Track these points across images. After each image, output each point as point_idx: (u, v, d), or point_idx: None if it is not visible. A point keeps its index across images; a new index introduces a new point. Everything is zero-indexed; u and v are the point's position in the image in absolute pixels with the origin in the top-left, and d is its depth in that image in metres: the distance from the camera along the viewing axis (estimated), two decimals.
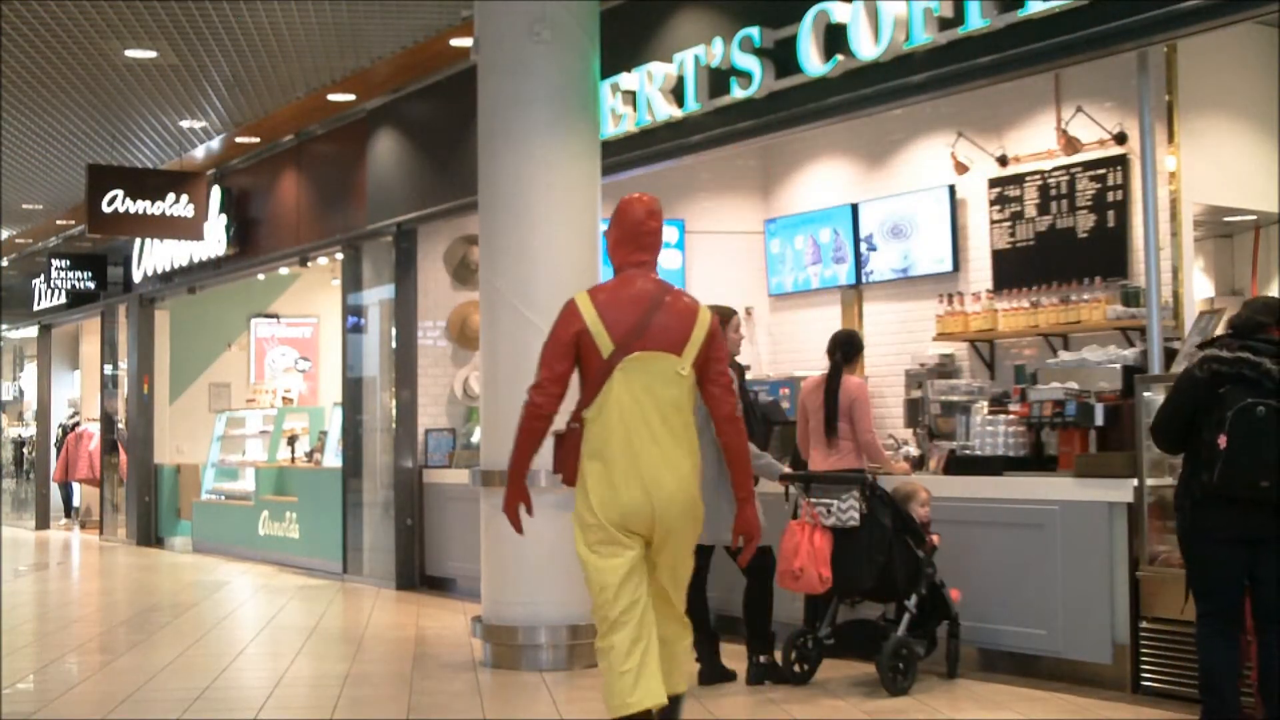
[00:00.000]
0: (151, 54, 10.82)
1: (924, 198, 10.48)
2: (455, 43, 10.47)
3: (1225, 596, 5.43)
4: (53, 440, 21.37)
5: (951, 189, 10.26)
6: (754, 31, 8.45)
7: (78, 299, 19.35)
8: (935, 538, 6.95)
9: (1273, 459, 5.21)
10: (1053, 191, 9.51)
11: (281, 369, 17.52)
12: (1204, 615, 5.48)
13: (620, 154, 9.35)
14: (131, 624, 10.13)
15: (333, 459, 13.40)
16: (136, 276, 17.54)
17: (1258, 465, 5.23)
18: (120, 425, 18.58)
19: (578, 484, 4.78)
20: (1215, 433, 5.29)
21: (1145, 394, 6.58)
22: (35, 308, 21.21)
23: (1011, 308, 9.59)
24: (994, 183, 9.93)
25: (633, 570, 4.70)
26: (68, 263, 18.73)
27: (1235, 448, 5.25)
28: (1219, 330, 6.53)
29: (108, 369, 19.36)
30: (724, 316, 7.26)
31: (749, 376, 7.51)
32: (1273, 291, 9.37)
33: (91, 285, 18.71)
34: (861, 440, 7.54)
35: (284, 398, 16.37)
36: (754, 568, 7.04)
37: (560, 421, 4.91)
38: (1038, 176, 9.62)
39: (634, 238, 4.91)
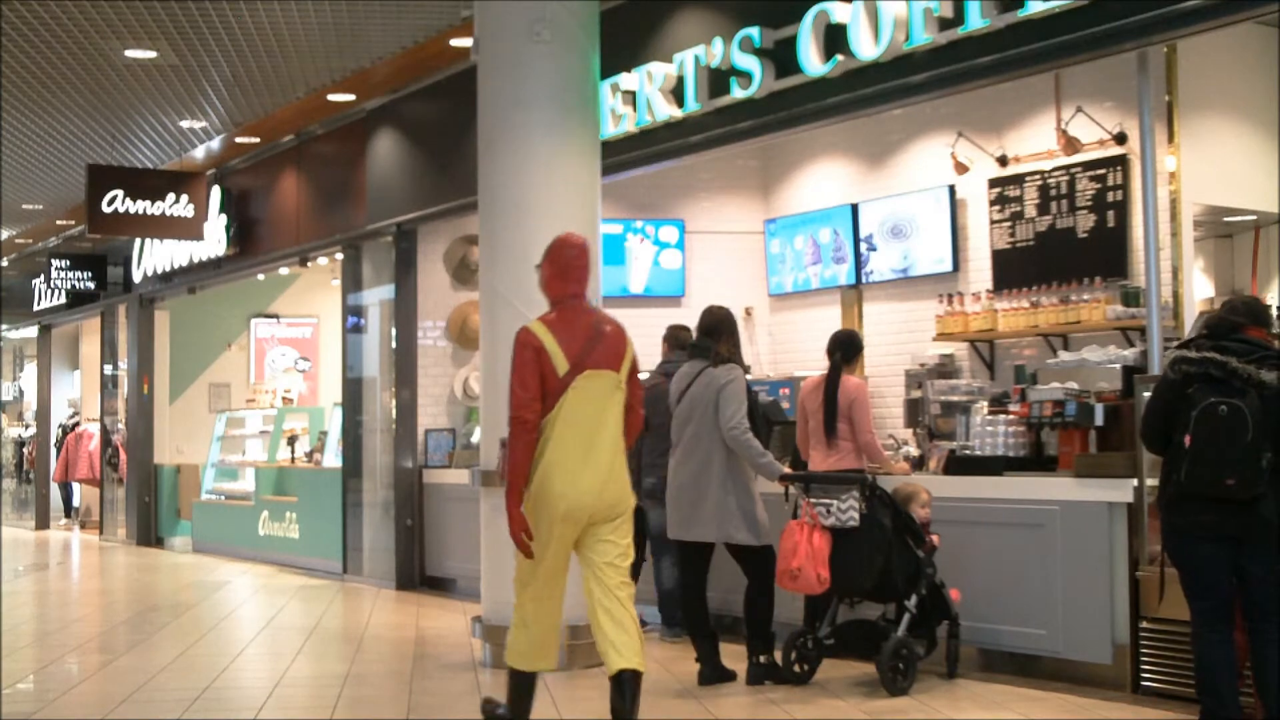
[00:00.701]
0: (151, 54, 10.82)
1: (924, 198, 10.49)
2: (455, 43, 10.47)
3: (1213, 594, 5.44)
4: (53, 440, 21.37)
5: (951, 189, 10.26)
6: (754, 31, 8.45)
7: (78, 299, 19.34)
8: (935, 538, 6.95)
9: (1236, 457, 5.23)
10: (1053, 191, 9.51)
11: (281, 369, 17.52)
12: (1196, 614, 5.50)
13: (620, 154, 9.36)
14: (131, 624, 10.14)
15: (333, 459, 13.40)
16: (136, 276, 17.54)
17: (1222, 463, 5.26)
18: (121, 426, 18.59)
19: (530, 484, 5.48)
20: (1183, 432, 5.33)
21: (1145, 394, 6.56)
22: (35, 308, 21.21)
23: (1011, 308, 9.59)
24: (994, 183, 9.93)
25: (564, 558, 5.56)
26: (68, 263, 18.73)
27: (1199, 447, 5.30)
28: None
29: (108, 369, 19.36)
30: (719, 315, 7.27)
31: (749, 377, 7.56)
32: (1273, 292, 9.38)
33: (91, 285, 18.70)
34: (861, 440, 7.54)
35: (284, 398, 16.36)
36: (754, 568, 7.06)
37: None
38: (1038, 176, 9.62)
39: (566, 272, 5.71)
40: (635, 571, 8.99)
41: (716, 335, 7.19)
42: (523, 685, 5.65)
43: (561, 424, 5.45)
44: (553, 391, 5.47)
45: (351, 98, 12.27)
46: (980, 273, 10.11)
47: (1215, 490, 5.30)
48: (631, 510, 5.64)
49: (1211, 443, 5.27)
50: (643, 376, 9.05)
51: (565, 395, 5.46)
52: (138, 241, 17.18)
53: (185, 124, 13.25)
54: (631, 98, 9.42)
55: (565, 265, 5.70)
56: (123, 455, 18.22)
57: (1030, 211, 9.67)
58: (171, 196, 14.29)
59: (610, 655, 5.40)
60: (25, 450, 23.00)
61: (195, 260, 15.83)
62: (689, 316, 8.56)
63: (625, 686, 5.35)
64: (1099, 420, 7.02)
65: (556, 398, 5.47)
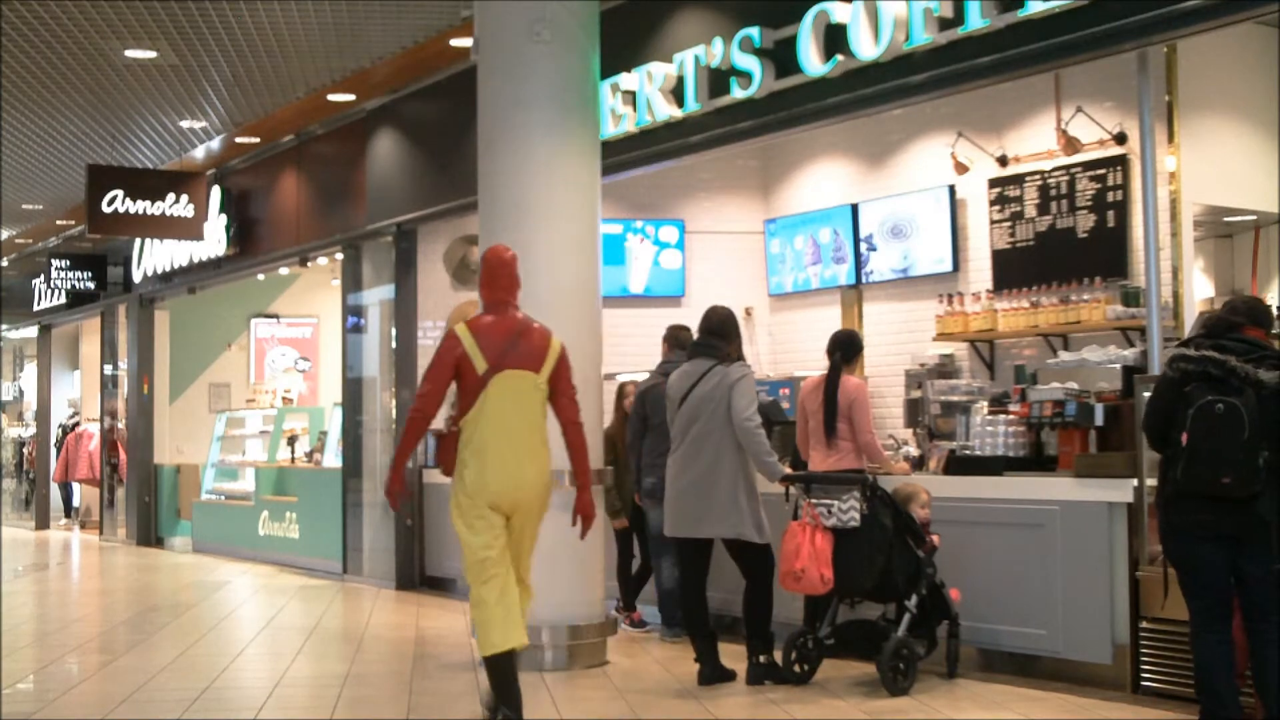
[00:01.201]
0: (151, 54, 10.82)
1: (924, 198, 10.49)
2: (455, 43, 10.47)
3: (1210, 593, 5.44)
4: (53, 440, 21.37)
5: (951, 189, 10.26)
6: (754, 31, 8.45)
7: (78, 299, 19.34)
8: (935, 538, 6.95)
9: (1233, 455, 5.24)
10: (1053, 191, 9.51)
11: (281, 369, 17.52)
12: (1194, 613, 5.51)
13: (620, 154, 9.36)
14: (131, 624, 10.14)
15: (333, 459, 13.40)
16: (136, 276, 17.54)
17: (1218, 462, 5.27)
18: (120, 425, 18.58)
19: (455, 474, 5.93)
20: (1180, 431, 5.33)
21: (1145, 394, 6.56)
22: (35, 308, 21.21)
23: (1011, 308, 9.59)
24: (994, 183, 9.94)
25: (501, 540, 5.91)
26: (68, 263, 18.73)
27: (1196, 444, 5.31)
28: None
29: (108, 369, 19.36)
30: (725, 315, 7.29)
31: None
32: (1273, 292, 9.38)
33: (91, 285, 18.71)
34: (861, 441, 7.54)
35: (284, 398, 16.37)
36: (754, 567, 7.06)
37: (440, 425, 6.19)
38: (1038, 176, 9.62)
39: (494, 281, 6.16)
40: (640, 574, 9.04)
41: (724, 335, 7.22)
42: (504, 670, 5.84)
43: (483, 420, 5.89)
44: (472, 388, 5.91)
45: (351, 98, 12.27)
46: (980, 273, 10.11)
47: (1212, 489, 5.30)
48: (547, 506, 6.04)
49: (1208, 441, 5.28)
50: (642, 376, 9.16)
51: (485, 392, 5.89)
52: (138, 241, 17.19)
53: (185, 124, 13.25)
54: (631, 98, 9.42)
55: (492, 275, 6.16)
56: (122, 455, 18.23)
57: (1030, 211, 9.67)
58: (171, 196, 14.30)
59: (507, 635, 5.80)
60: (25, 450, 23.00)
61: (195, 260, 15.83)
62: (689, 316, 8.56)
63: (508, 666, 5.80)
64: (1099, 420, 7.02)
65: (476, 394, 5.90)
